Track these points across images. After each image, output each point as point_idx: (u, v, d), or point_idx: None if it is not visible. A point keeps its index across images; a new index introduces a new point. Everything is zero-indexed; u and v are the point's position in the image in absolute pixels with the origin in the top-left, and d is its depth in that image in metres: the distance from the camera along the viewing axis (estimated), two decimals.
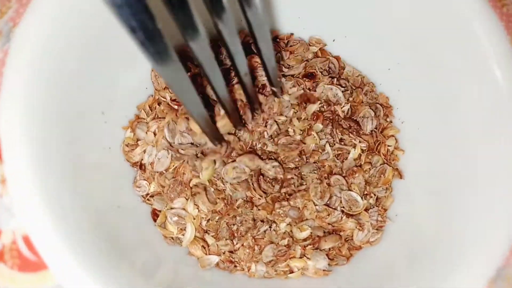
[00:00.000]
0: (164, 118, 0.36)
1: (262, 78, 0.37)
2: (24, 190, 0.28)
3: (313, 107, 0.37)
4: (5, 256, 0.33)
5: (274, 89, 0.36)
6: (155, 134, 0.36)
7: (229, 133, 0.36)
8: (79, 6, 0.30)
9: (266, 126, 0.36)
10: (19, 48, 0.29)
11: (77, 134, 0.33)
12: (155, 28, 0.20)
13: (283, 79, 0.38)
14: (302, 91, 0.38)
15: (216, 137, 0.34)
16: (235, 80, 0.35)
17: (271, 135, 0.36)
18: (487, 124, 0.32)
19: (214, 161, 0.35)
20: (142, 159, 0.36)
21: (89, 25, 0.32)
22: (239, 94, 0.35)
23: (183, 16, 0.23)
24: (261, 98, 0.36)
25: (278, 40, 0.42)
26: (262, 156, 0.36)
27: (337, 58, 0.42)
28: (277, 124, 0.37)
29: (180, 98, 0.27)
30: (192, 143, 0.36)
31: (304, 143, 0.37)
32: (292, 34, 0.42)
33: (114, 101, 0.36)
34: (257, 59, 0.36)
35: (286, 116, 0.37)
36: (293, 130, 0.37)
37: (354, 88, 0.41)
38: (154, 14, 0.20)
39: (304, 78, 0.39)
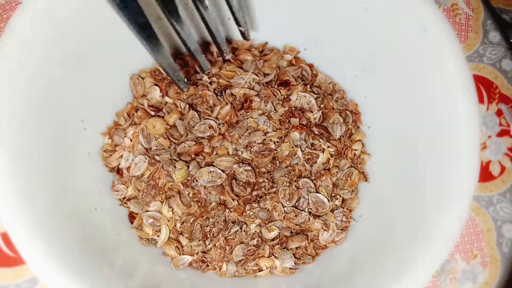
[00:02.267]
0: (140, 124, 0.38)
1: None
2: (3, 191, 0.30)
3: (296, 121, 0.39)
4: None
5: (241, 29, 0.36)
6: (131, 140, 0.38)
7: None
8: (58, 16, 0.32)
9: (241, 137, 0.38)
10: None
11: (56, 139, 0.34)
12: None
13: None
14: (287, 108, 0.39)
15: (182, 80, 0.34)
16: None
17: (246, 145, 0.38)
18: (447, 124, 0.33)
19: (188, 164, 0.37)
20: (119, 164, 0.38)
21: (69, 34, 0.34)
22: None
23: None
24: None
25: (253, 49, 0.44)
26: (237, 161, 0.38)
27: (310, 66, 0.44)
28: (252, 135, 0.38)
29: (148, 49, 0.29)
30: (168, 147, 0.38)
31: (276, 150, 0.38)
32: (266, 42, 0.44)
33: (93, 109, 0.38)
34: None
35: (263, 130, 0.39)
36: (270, 139, 0.38)
37: (325, 95, 0.43)
38: None
39: (280, 87, 0.41)
